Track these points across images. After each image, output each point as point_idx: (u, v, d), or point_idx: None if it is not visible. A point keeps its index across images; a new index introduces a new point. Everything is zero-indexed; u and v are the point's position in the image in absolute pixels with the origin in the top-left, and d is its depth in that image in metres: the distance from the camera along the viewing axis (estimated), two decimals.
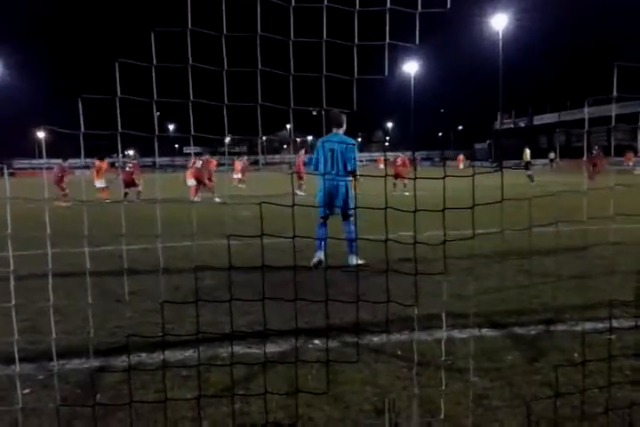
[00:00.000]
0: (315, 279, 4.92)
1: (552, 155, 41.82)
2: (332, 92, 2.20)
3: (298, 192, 17.80)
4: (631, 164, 32.24)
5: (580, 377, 2.51)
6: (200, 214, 12.25)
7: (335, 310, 3.81)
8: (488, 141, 69.19)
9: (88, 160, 19.76)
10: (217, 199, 16.57)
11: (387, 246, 2.24)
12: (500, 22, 48.70)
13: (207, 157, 18.33)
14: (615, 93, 2.34)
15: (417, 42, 1.98)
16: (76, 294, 4.63)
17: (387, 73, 2.12)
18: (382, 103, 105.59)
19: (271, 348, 3.30)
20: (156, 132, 2.37)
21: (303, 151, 21.60)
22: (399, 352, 3.23)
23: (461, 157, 52.71)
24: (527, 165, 23.91)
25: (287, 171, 52.31)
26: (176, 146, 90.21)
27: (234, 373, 2.51)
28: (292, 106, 2.13)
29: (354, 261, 5.74)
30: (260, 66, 2.04)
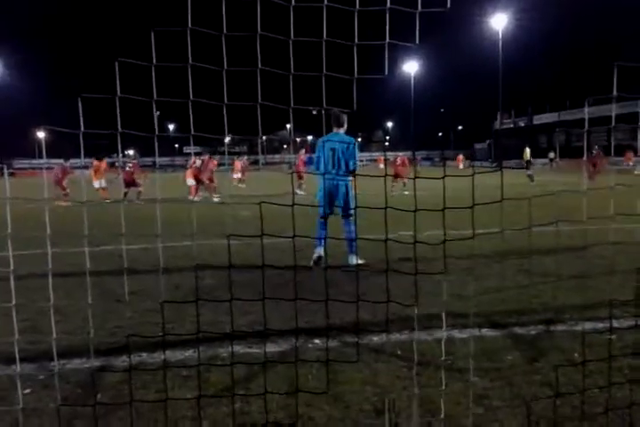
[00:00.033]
0: (315, 279, 4.92)
1: (552, 154, 41.82)
2: (332, 92, 2.20)
3: (298, 192, 17.80)
4: (631, 163, 32.23)
5: (580, 377, 2.51)
6: (200, 214, 12.25)
7: (335, 309, 3.81)
8: (488, 141, 69.19)
9: (87, 160, 19.72)
10: (215, 199, 16.58)
11: (387, 246, 2.24)
12: (499, 22, 48.71)
13: (207, 156, 18.31)
14: (615, 93, 2.34)
15: (417, 41, 1.98)
16: (76, 293, 4.63)
17: (387, 72, 2.12)
18: (382, 103, 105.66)
19: (271, 347, 3.30)
20: (156, 132, 2.37)
21: (303, 151, 21.61)
22: (399, 352, 3.23)
23: (461, 157, 52.72)
24: (527, 165, 23.93)
25: (287, 170, 52.32)
26: (176, 146, 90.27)
27: (234, 372, 2.51)
28: (291, 105, 2.13)
29: (354, 260, 5.74)
30: (259, 65, 2.04)
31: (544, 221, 3.11)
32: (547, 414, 2.41)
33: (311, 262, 5.81)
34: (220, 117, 2.11)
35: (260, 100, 2.10)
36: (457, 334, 3.54)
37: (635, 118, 35.77)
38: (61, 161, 18.25)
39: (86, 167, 18.80)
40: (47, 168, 22.82)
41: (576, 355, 3.12)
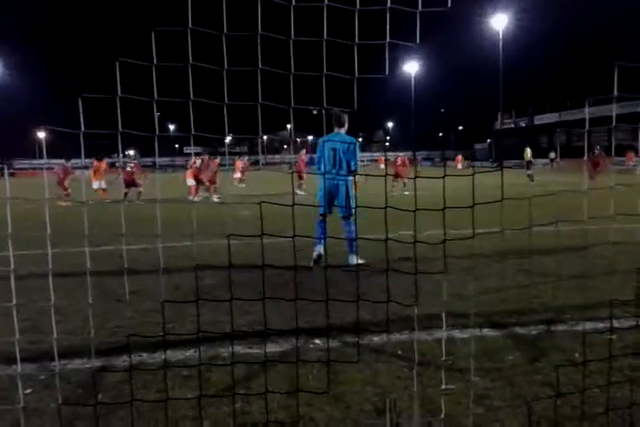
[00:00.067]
0: (315, 279, 4.92)
1: (552, 154, 41.82)
2: (332, 92, 2.20)
3: (298, 192, 17.80)
4: (632, 163, 32.21)
5: (580, 377, 2.51)
6: (200, 214, 12.25)
7: (335, 309, 3.81)
8: (488, 141, 69.20)
9: (87, 160, 19.71)
10: (215, 199, 16.58)
11: (387, 246, 2.24)
12: (500, 22, 48.72)
13: (206, 156, 18.32)
14: (616, 93, 2.34)
15: (417, 41, 1.98)
16: (76, 293, 4.63)
17: (387, 72, 2.12)
18: (383, 102, 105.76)
19: (272, 347, 3.30)
20: (157, 132, 2.37)
21: (304, 151, 21.61)
22: (400, 352, 3.23)
23: (460, 157, 52.84)
24: (528, 165, 23.95)
25: (287, 170, 52.32)
26: (176, 146, 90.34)
27: (235, 372, 2.51)
28: (292, 105, 2.13)
29: (354, 260, 5.74)
30: (260, 65, 2.04)
31: (544, 220, 3.11)
32: (547, 414, 2.41)
33: (311, 263, 5.81)
34: (221, 117, 2.11)
35: (260, 100, 2.10)
36: (457, 334, 3.54)
37: (635, 118, 35.73)
38: (62, 161, 18.23)
39: (87, 167, 18.79)
40: (47, 168, 22.81)
41: (577, 355, 3.12)
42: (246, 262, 4.33)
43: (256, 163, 67.85)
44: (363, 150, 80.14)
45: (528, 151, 24.45)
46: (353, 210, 5.90)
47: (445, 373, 2.64)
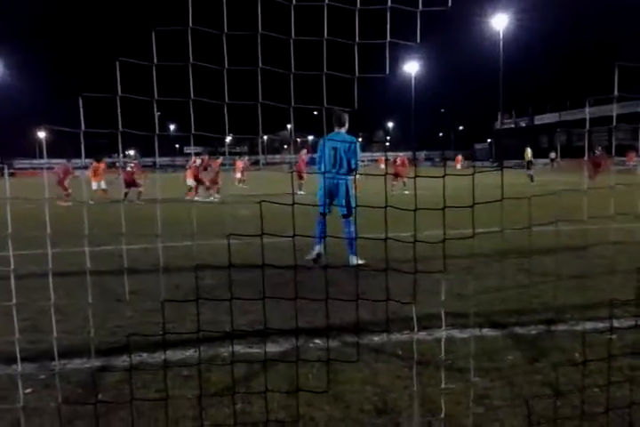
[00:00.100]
0: (315, 278, 4.91)
1: (553, 154, 41.85)
2: (333, 91, 2.20)
3: (298, 191, 17.81)
4: (633, 163, 32.21)
5: (580, 377, 2.51)
6: (200, 214, 12.25)
7: (335, 309, 3.81)
8: (489, 141, 69.25)
9: (87, 160, 19.71)
10: (212, 198, 16.59)
11: (386, 245, 2.24)
12: (500, 22, 48.72)
13: (205, 156, 18.34)
14: (616, 93, 2.34)
15: (418, 40, 1.98)
16: (76, 293, 4.63)
17: (388, 72, 2.12)
18: (383, 102, 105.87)
19: (272, 347, 3.30)
20: (157, 131, 2.37)
21: (305, 151, 21.62)
22: (399, 352, 3.23)
23: (459, 157, 52.88)
24: (528, 165, 23.95)
25: (287, 170, 52.32)
26: (177, 146, 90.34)
27: (235, 372, 2.51)
28: (292, 104, 2.13)
29: (354, 261, 5.74)
30: (260, 64, 2.04)
31: (544, 220, 3.11)
32: (547, 413, 2.41)
33: (311, 261, 5.82)
34: (221, 117, 2.11)
35: (260, 100, 2.10)
36: (457, 333, 3.54)
37: (636, 118, 35.72)
38: (63, 161, 18.23)
39: (87, 167, 18.79)
40: (48, 168, 22.81)
41: (577, 355, 3.12)
42: (246, 262, 4.33)
43: (256, 163, 67.86)
44: (363, 150, 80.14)
45: (528, 151, 24.45)
46: (353, 209, 5.91)
47: (445, 372, 2.64)
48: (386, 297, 2.35)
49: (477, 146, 73.60)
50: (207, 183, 17.27)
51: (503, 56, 49.05)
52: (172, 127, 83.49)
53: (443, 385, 2.43)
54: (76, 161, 18.90)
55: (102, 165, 18.43)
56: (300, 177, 19.45)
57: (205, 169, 17.45)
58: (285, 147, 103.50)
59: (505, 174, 2.25)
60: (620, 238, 6.90)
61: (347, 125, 6.16)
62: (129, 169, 16.88)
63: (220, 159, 19.09)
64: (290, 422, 2.37)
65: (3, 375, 2.99)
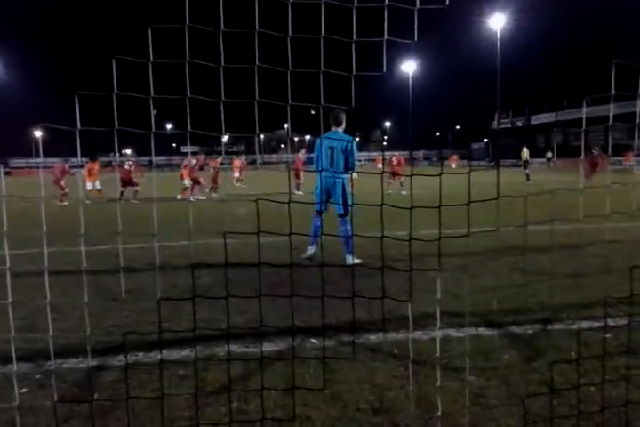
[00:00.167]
0: (311, 277, 4.92)
1: (549, 154, 42.01)
2: (330, 89, 2.19)
3: (295, 192, 17.80)
4: (630, 163, 32.32)
5: (576, 376, 2.51)
6: (197, 213, 12.23)
7: (332, 308, 3.81)
8: (486, 141, 69.43)
9: (83, 159, 19.67)
10: (200, 197, 16.57)
11: (382, 243, 2.24)
12: (498, 22, 48.78)
13: (202, 156, 18.34)
14: (613, 91, 2.34)
15: (415, 38, 1.98)
16: (72, 292, 4.61)
17: (385, 70, 2.11)
18: (381, 101, 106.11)
19: (268, 346, 3.30)
20: (153, 130, 2.36)
21: (303, 150, 21.63)
22: (396, 351, 3.24)
23: (455, 156, 53.16)
24: (525, 164, 24.01)
25: (285, 169, 52.32)
26: (174, 145, 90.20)
27: (231, 371, 2.50)
28: (289, 102, 2.13)
29: (350, 260, 5.75)
30: (257, 62, 2.04)
31: (540, 219, 3.11)
32: (543, 412, 2.42)
33: (307, 259, 5.84)
34: (218, 116, 2.11)
35: (257, 98, 2.09)
36: (453, 332, 3.54)
37: (632, 118, 35.87)
38: (60, 160, 18.17)
39: (83, 166, 18.75)
40: (44, 167, 22.73)
41: (573, 354, 3.13)
42: (243, 261, 4.32)
43: (253, 162, 67.83)
44: (360, 150, 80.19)
45: (525, 151, 24.50)
46: (350, 208, 5.92)
47: (441, 371, 2.64)
48: (382, 296, 2.35)
49: (474, 145, 73.80)
50: (203, 182, 17.26)
51: (500, 56, 49.07)
52: (168, 126, 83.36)
53: (438, 384, 2.43)
54: (72, 160, 18.81)
55: (97, 165, 18.38)
56: (298, 176, 19.43)
57: (201, 169, 17.44)
58: (282, 146, 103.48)
59: (501, 173, 2.26)
60: (615, 237, 6.92)
61: (344, 124, 6.18)
62: (127, 167, 16.84)
63: (220, 159, 19.12)
64: (286, 420, 2.37)
65: None
